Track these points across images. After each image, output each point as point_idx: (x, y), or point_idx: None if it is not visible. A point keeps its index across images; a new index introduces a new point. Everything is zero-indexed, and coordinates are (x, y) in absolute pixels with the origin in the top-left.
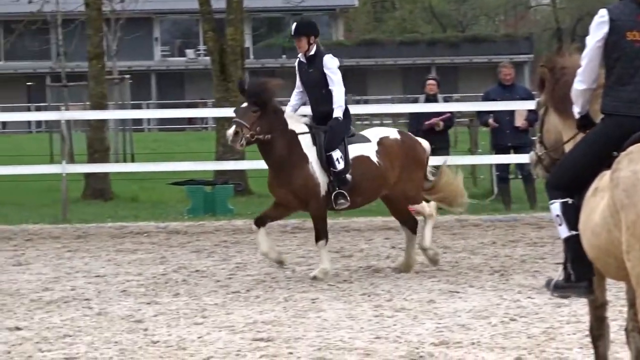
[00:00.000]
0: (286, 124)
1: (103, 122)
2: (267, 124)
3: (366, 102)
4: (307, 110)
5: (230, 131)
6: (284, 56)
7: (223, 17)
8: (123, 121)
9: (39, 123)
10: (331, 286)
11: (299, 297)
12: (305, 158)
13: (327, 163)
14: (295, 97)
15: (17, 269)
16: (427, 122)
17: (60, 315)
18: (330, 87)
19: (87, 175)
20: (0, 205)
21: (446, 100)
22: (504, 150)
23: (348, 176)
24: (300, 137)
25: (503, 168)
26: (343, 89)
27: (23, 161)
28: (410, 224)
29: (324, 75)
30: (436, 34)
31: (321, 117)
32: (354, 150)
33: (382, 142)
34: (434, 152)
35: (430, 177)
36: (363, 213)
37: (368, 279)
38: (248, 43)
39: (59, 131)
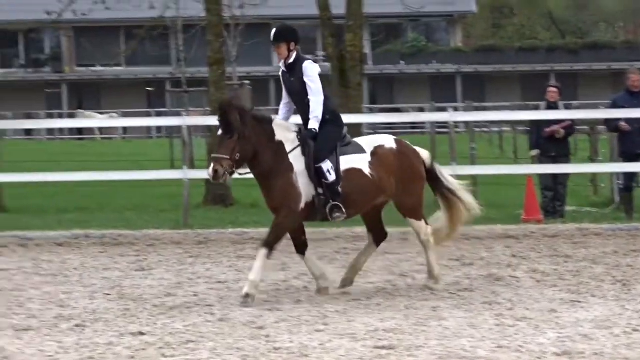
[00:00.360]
0: (272, 135)
1: None
2: (249, 144)
3: (484, 109)
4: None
5: (210, 170)
6: (402, 62)
7: (342, 23)
8: None
9: (159, 128)
10: (452, 295)
11: (419, 305)
12: (290, 167)
13: (316, 175)
14: (282, 108)
15: (139, 274)
16: (547, 130)
17: (183, 321)
18: (309, 96)
19: (208, 181)
20: (122, 210)
21: (567, 107)
22: (632, 158)
23: (339, 188)
24: (287, 144)
25: (629, 176)
26: (321, 98)
27: (144, 166)
28: (377, 234)
29: (304, 83)
30: (555, 40)
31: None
32: (346, 162)
33: (376, 152)
34: (555, 160)
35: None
36: (483, 221)
37: (489, 288)
38: (367, 49)
39: (180, 137)
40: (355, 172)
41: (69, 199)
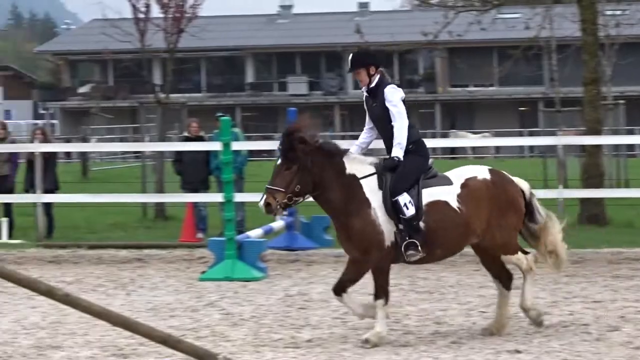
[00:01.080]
0: (342, 168)
1: (598, 148)
2: (309, 176)
3: None
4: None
5: (261, 203)
6: None
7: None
8: (617, 146)
9: (531, 148)
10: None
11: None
12: (366, 203)
13: (393, 209)
14: (364, 134)
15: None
16: None
17: (559, 340)
18: (392, 123)
19: (582, 201)
20: None
21: None
22: None
23: (421, 224)
24: (362, 180)
25: None
26: (405, 123)
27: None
28: (503, 278)
29: (387, 108)
30: None
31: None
32: (430, 194)
33: (466, 185)
34: None
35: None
36: None
37: None
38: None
39: (554, 156)
40: (440, 206)
41: None
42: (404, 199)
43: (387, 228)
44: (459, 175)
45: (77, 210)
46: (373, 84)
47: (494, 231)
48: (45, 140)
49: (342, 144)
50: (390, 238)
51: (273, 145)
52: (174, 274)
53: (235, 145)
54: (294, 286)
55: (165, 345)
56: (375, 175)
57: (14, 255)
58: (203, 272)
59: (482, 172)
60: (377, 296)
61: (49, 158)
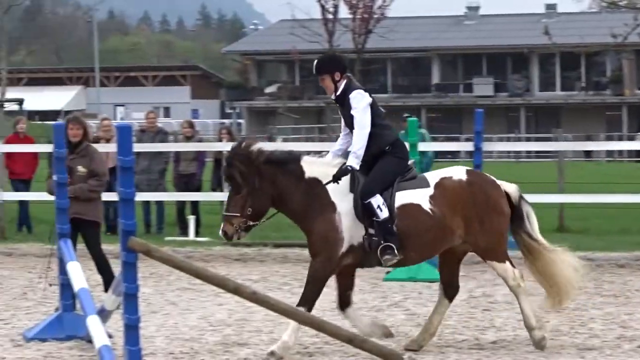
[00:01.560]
0: (300, 173)
1: None
2: (264, 194)
3: None
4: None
5: (220, 232)
6: None
7: None
8: None
9: None
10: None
11: None
12: (330, 207)
13: (363, 212)
14: (340, 140)
15: None
16: None
17: None
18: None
19: None
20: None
21: None
22: None
23: (394, 227)
24: (326, 180)
25: None
26: (365, 131)
27: None
28: (449, 287)
29: None
30: None
31: (369, 159)
32: (403, 197)
33: (440, 185)
34: None
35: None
36: None
37: None
38: None
39: None
40: (411, 208)
41: (630, 220)
42: (376, 200)
43: (350, 234)
44: (435, 176)
45: None
46: (339, 91)
47: (476, 234)
48: (232, 139)
49: (512, 145)
50: (351, 243)
51: (458, 146)
52: (359, 274)
53: (422, 146)
54: (479, 288)
55: (351, 345)
56: (347, 179)
57: (200, 253)
58: (388, 273)
59: (458, 172)
60: (301, 302)
61: None
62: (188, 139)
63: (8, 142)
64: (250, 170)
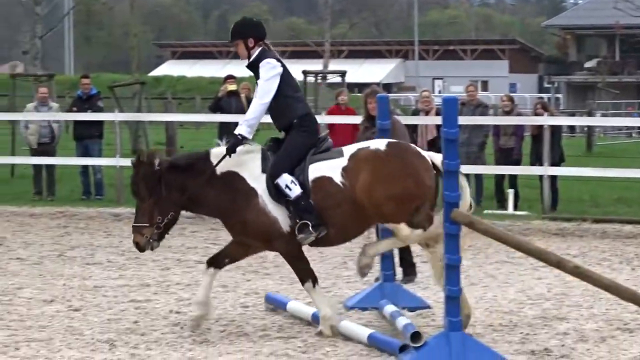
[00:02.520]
0: (212, 172)
1: None
2: (170, 203)
3: None
4: None
5: (132, 243)
6: None
7: None
8: None
9: None
10: None
11: None
12: (251, 192)
13: (276, 193)
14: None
15: None
16: None
17: None
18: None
19: None
20: None
21: None
22: None
23: (308, 204)
24: (242, 169)
25: None
26: (262, 102)
27: None
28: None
29: None
30: None
31: (285, 129)
32: (315, 170)
33: (355, 156)
34: None
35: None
36: None
37: None
38: None
39: None
40: (323, 182)
41: None
42: (283, 180)
43: (278, 213)
44: (352, 147)
45: (581, 184)
46: (252, 58)
47: (383, 200)
48: (550, 114)
49: None
50: (286, 222)
51: None
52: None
53: None
54: None
55: None
56: (259, 160)
57: (519, 227)
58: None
59: (378, 142)
60: (302, 280)
61: (554, 132)
62: (507, 113)
63: (330, 113)
64: (154, 180)
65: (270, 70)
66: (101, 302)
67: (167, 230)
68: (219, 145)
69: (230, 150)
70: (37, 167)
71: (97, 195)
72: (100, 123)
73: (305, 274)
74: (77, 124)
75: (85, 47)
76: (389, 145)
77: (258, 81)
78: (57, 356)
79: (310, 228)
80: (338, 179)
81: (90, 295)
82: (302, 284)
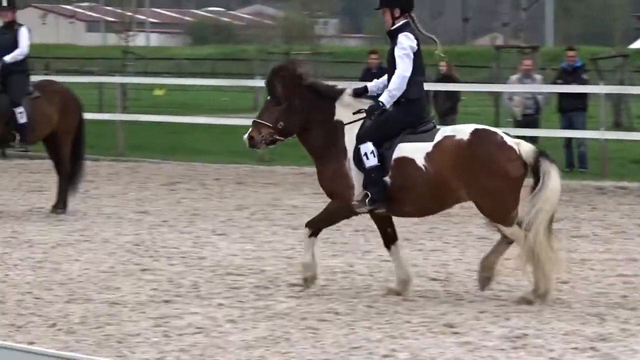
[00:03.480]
0: (331, 112)
1: None
2: (296, 115)
3: None
4: None
5: (245, 136)
6: None
7: None
8: None
9: None
10: None
11: None
12: (343, 152)
13: (358, 158)
14: (383, 78)
15: None
16: None
17: None
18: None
19: None
20: None
21: None
22: None
23: (387, 179)
24: (347, 127)
25: None
26: (404, 74)
27: None
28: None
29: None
30: None
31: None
32: (402, 149)
33: (440, 143)
34: None
35: None
36: None
37: None
38: None
39: None
40: (406, 162)
41: None
42: (365, 147)
43: (357, 180)
44: (444, 132)
45: None
46: (394, 27)
47: (481, 197)
48: None
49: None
50: (360, 191)
51: None
52: None
53: None
54: None
55: None
56: (358, 125)
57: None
58: None
59: (464, 131)
60: (310, 224)
61: None
62: None
63: None
64: (295, 87)
65: (407, 40)
66: (588, 275)
67: (280, 139)
68: (352, 94)
69: (369, 114)
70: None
71: (580, 167)
72: (584, 95)
73: (316, 226)
74: (562, 96)
75: (564, 19)
76: (473, 134)
77: (394, 48)
78: (546, 327)
79: (367, 200)
80: (420, 162)
81: (577, 268)
82: (306, 226)
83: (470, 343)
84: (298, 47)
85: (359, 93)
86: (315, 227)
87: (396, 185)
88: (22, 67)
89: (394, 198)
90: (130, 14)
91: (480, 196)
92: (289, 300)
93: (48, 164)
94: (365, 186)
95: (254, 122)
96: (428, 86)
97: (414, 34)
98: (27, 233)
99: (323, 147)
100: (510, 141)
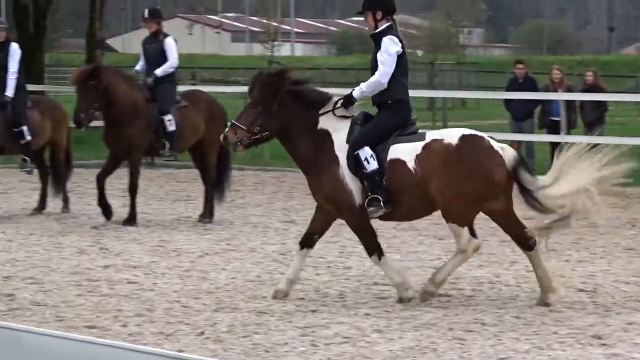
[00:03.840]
0: (315, 121)
1: None
2: (273, 122)
3: None
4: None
5: (221, 136)
6: None
7: None
8: None
9: None
10: None
11: None
12: (334, 160)
13: (355, 164)
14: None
15: None
16: None
17: None
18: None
19: None
20: None
21: None
22: None
23: (383, 180)
24: (334, 134)
25: None
26: (381, 76)
27: None
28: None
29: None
30: None
31: (378, 105)
32: (394, 151)
33: (428, 146)
34: None
35: None
36: None
37: None
38: None
39: None
40: (398, 164)
41: None
42: (364, 152)
43: (354, 186)
44: (432, 135)
45: None
46: (377, 31)
47: (450, 198)
48: None
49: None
50: (359, 196)
51: None
52: None
53: None
54: None
55: None
56: (347, 131)
57: None
58: None
59: (453, 135)
60: (369, 254)
61: None
62: None
63: None
64: (272, 91)
65: (392, 45)
66: None
67: (256, 144)
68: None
69: (343, 104)
70: None
71: None
72: None
73: (372, 247)
74: None
75: None
76: (461, 139)
77: (378, 52)
78: None
79: (382, 203)
80: (411, 164)
81: None
82: (369, 257)
83: (618, 355)
84: (442, 57)
85: (347, 102)
86: (372, 250)
87: (391, 187)
88: (170, 77)
89: (391, 200)
90: (275, 24)
91: (454, 198)
92: (435, 310)
93: (194, 173)
94: (372, 191)
95: (231, 123)
96: (575, 96)
97: (398, 37)
98: (174, 242)
99: (312, 157)
100: (496, 146)
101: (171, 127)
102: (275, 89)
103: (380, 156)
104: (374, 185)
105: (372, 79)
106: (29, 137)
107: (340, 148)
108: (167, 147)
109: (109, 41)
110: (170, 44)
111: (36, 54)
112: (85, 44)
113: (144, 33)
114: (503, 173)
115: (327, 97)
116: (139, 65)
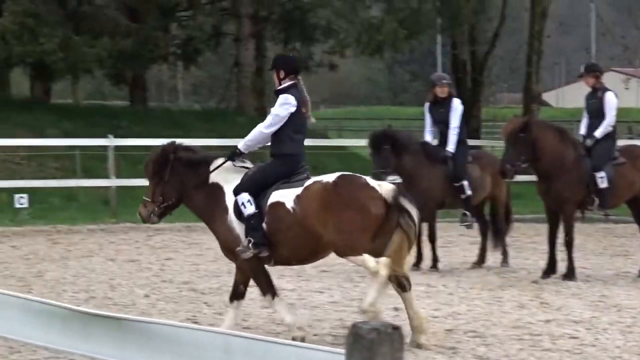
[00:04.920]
0: (205, 178)
1: None
2: (171, 189)
3: None
4: None
5: (137, 214)
6: None
7: None
8: None
9: None
10: None
11: None
12: (225, 210)
13: (238, 210)
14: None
15: None
16: None
17: None
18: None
19: None
20: None
21: None
22: None
23: (264, 225)
24: (226, 186)
25: None
26: (264, 130)
27: None
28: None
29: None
30: None
31: (271, 157)
32: (276, 196)
33: (308, 187)
34: None
35: None
36: None
37: None
38: None
39: None
40: (277, 207)
41: None
42: (241, 198)
43: (241, 231)
44: (314, 178)
45: None
46: (279, 88)
47: (334, 233)
48: None
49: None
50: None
51: None
52: None
53: None
54: None
55: None
56: (238, 181)
57: None
58: None
59: (332, 175)
60: (263, 294)
61: None
62: None
63: None
64: (163, 163)
65: (283, 105)
66: None
67: (167, 211)
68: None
69: (229, 159)
70: None
71: None
72: None
73: (266, 288)
74: None
75: None
76: (339, 177)
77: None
78: None
79: (250, 245)
80: (290, 204)
81: None
82: (263, 296)
83: None
84: None
85: (233, 155)
86: (265, 291)
87: (271, 229)
88: (608, 134)
89: (271, 242)
90: None
91: (337, 232)
92: None
93: (633, 228)
94: (247, 234)
95: (143, 199)
96: None
97: (295, 96)
98: (614, 297)
99: (208, 210)
100: (373, 182)
101: (603, 184)
102: (164, 160)
103: (262, 202)
104: (249, 228)
105: (255, 130)
106: (469, 192)
107: (230, 197)
108: (596, 204)
109: (544, 95)
110: (610, 99)
111: (473, 109)
112: (522, 98)
113: (578, 87)
114: (379, 205)
115: (212, 157)
116: (583, 123)
